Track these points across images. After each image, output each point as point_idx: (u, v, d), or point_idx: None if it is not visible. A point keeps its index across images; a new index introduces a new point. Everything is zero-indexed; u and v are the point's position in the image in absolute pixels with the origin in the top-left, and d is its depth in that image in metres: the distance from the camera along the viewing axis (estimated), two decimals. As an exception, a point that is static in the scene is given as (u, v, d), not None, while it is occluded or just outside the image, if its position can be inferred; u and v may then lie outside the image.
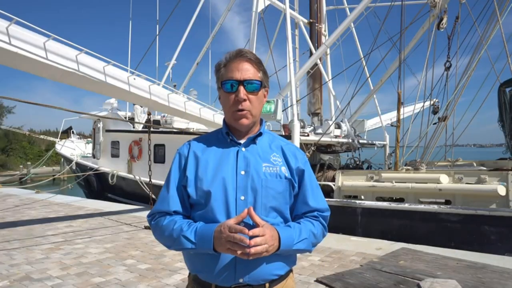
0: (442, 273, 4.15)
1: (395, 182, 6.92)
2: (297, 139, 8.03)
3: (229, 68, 1.35)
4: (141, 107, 12.54)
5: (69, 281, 3.99)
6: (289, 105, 9.23)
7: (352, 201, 7.07)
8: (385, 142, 12.54)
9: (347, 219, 6.81)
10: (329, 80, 11.62)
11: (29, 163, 28.43)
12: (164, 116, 13.33)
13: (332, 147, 10.13)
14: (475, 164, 8.42)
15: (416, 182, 6.76)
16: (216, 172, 1.33)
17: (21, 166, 28.88)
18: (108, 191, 12.77)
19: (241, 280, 1.27)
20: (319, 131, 9.94)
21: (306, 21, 12.27)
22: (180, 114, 8.50)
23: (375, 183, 7.13)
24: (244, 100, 1.32)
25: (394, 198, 7.22)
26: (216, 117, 8.96)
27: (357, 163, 10.68)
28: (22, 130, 27.85)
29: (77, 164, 15.02)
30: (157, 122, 13.50)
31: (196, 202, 1.34)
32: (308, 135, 9.09)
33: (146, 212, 8.01)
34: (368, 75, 10.12)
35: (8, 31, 5.04)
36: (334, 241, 5.76)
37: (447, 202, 6.46)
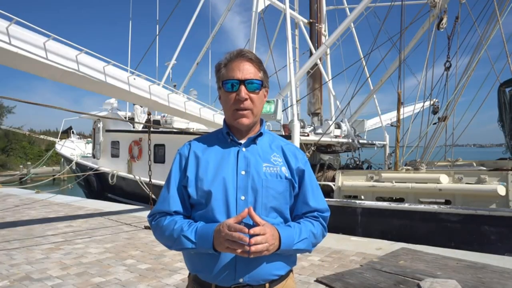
0: (442, 273, 4.15)
1: (395, 182, 6.93)
2: (297, 139, 8.03)
3: (230, 68, 1.35)
4: (141, 107, 12.54)
5: (69, 281, 3.99)
6: (289, 105, 9.23)
7: (352, 201, 7.07)
8: (385, 142, 12.54)
9: (347, 219, 6.81)
10: (329, 80, 11.63)
11: (29, 163, 28.44)
12: (164, 116, 13.33)
13: (332, 147, 10.13)
14: (475, 164, 8.42)
15: (416, 182, 6.76)
16: (216, 172, 1.33)
17: (21, 166, 28.89)
18: (108, 191, 12.77)
19: (241, 280, 1.27)
20: (319, 131, 9.94)
21: (306, 21, 12.27)
22: (180, 114, 8.50)
23: (375, 183, 7.13)
24: (245, 99, 1.32)
25: (394, 198, 7.22)
26: (216, 117, 8.96)
27: (357, 163, 10.68)
28: (22, 130, 27.85)
29: (77, 164, 15.02)
30: (157, 122, 13.50)
31: (196, 202, 1.34)
32: (308, 135, 9.10)
33: (146, 212, 8.02)
34: (368, 75, 10.13)
35: (8, 31, 5.04)
36: (334, 241, 5.77)
37: (447, 202, 6.46)
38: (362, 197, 7.31)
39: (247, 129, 1.39)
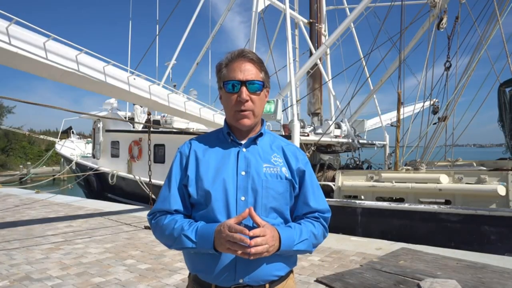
0: (442, 273, 4.15)
1: (395, 182, 6.93)
2: (297, 139, 8.03)
3: (231, 68, 1.34)
4: (141, 107, 12.54)
5: (69, 281, 3.99)
6: (289, 105, 9.23)
7: (352, 201, 7.07)
8: (385, 142, 12.54)
9: (347, 219, 6.81)
10: (329, 80, 11.63)
11: (29, 163, 28.42)
12: (164, 116, 13.33)
13: (332, 147, 10.13)
14: (475, 164, 8.42)
15: (416, 182, 6.76)
16: (216, 172, 1.32)
17: (21, 166, 28.88)
18: (108, 191, 12.77)
19: (241, 281, 1.27)
20: (319, 131, 9.94)
21: (306, 21, 12.27)
22: (180, 114, 8.50)
23: (375, 183, 7.13)
24: (247, 100, 1.32)
25: (394, 198, 7.22)
26: (216, 117, 8.96)
27: (357, 163, 10.68)
28: (22, 130, 27.84)
29: (77, 164, 15.02)
30: (157, 122, 13.50)
31: (196, 202, 1.34)
32: (308, 135, 9.09)
33: (146, 212, 8.01)
34: (368, 75, 10.13)
35: (8, 31, 5.03)
36: (334, 241, 5.77)
37: (447, 202, 6.46)
38: (362, 197, 7.31)
39: (248, 129, 1.39)
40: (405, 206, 6.44)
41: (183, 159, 1.40)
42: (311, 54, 10.93)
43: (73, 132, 20.90)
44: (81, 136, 23.02)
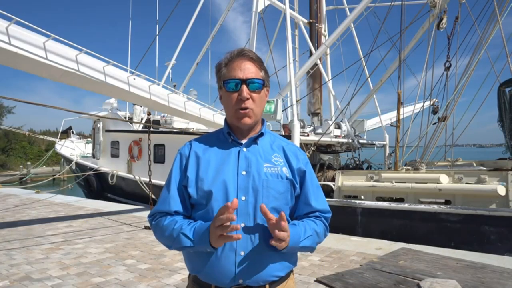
0: (442, 273, 4.15)
1: (395, 182, 6.93)
2: (297, 139, 8.03)
3: (231, 67, 1.34)
4: (141, 107, 12.54)
5: (69, 281, 3.99)
6: (289, 105, 9.23)
7: (352, 201, 7.07)
8: (385, 142, 12.54)
9: (347, 219, 6.81)
10: (329, 80, 11.63)
11: (29, 163, 28.43)
12: (164, 116, 13.33)
13: (332, 147, 10.13)
14: (475, 164, 8.42)
15: (416, 182, 6.76)
16: (217, 172, 1.32)
17: (21, 166, 28.89)
18: (108, 191, 12.77)
19: (240, 281, 1.26)
20: (319, 131, 9.93)
21: (306, 21, 12.27)
22: (180, 114, 8.50)
23: (375, 183, 7.13)
24: (247, 99, 1.31)
25: (394, 198, 7.22)
26: (216, 117, 8.96)
27: (357, 163, 10.68)
28: (22, 130, 27.85)
29: (77, 164, 15.02)
30: (157, 122, 13.50)
31: (197, 202, 1.34)
32: (308, 135, 9.09)
33: (146, 212, 8.03)
34: (368, 75, 10.13)
35: (8, 31, 5.03)
36: (334, 241, 5.77)
37: (447, 202, 6.46)
38: (362, 197, 7.31)
39: (249, 128, 1.39)
40: (405, 206, 6.44)
41: (183, 160, 1.39)
42: (311, 54, 10.93)
43: (73, 132, 20.90)
44: (81, 136, 23.03)
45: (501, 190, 5.90)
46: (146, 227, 6.74)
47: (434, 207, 6.13)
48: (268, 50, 12.74)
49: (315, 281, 3.98)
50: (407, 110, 11.21)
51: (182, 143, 1.48)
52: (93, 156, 14.28)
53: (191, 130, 11.16)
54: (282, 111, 8.92)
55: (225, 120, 1.43)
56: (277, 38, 13.23)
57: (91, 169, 13.44)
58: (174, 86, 13.72)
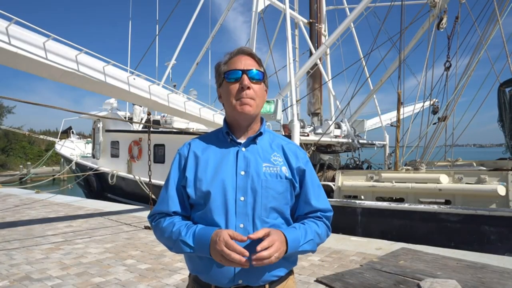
0: (442, 273, 4.15)
1: (395, 182, 6.92)
2: (297, 139, 8.03)
3: (231, 62, 1.36)
4: (141, 107, 12.54)
5: (69, 281, 3.99)
6: (289, 105, 9.23)
7: (352, 201, 7.07)
8: (385, 142, 12.54)
9: (347, 219, 6.81)
10: (329, 80, 11.62)
11: (29, 163, 28.44)
12: (164, 116, 13.33)
13: (332, 147, 10.13)
14: (475, 164, 8.42)
15: (416, 182, 6.76)
16: (215, 172, 1.31)
17: (21, 166, 28.89)
18: (108, 191, 12.77)
19: (240, 281, 1.26)
20: (319, 131, 9.93)
21: (306, 21, 12.27)
22: (180, 114, 8.50)
23: (375, 183, 7.13)
24: (248, 87, 1.32)
25: (394, 198, 7.22)
26: (216, 117, 8.96)
27: (357, 163, 10.68)
28: (22, 130, 27.86)
29: (77, 164, 15.02)
30: (157, 122, 13.50)
31: (195, 203, 1.34)
32: (308, 135, 9.09)
33: (146, 212, 8.03)
34: (368, 75, 10.13)
35: (8, 31, 5.03)
36: (334, 241, 5.76)
37: (447, 202, 6.46)
38: (362, 197, 7.31)
39: (248, 122, 1.38)
40: (405, 206, 6.43)
41: (181, 161, 1.39)
42: (311, 54, 10.93)
43: (73, 132, 20.90)
44: (81, 136, 23.03)
45: (501, 190, 5.90)
46: (146, 227, 6.74)
47: (434, 207, 6.13)
48: (268, 50, 12.76)
49: (315, 281, 3.98)
50: (407, 110, 11.21)
51: (182, 143, 1.47)
52: (93, 156, 14.28)
53: (191, 130, 11.16)
54: (282, 111, 8.91)
55: (224, 120, 1.43)
56: (277, 38, 13.25)
57: (91, 169, 13.44)
58: (174, 86, 13.73)
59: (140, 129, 12.78)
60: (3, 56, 5.16)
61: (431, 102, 9.25)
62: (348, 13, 11.98)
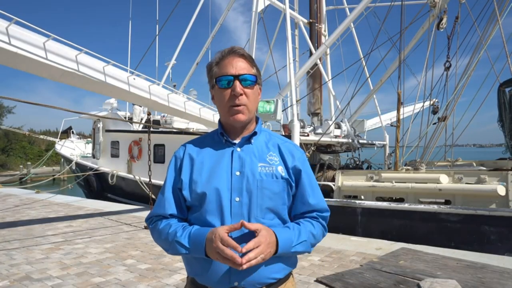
0: (442, 273, 4.15)
1: (395, 182, 6.92)
2: (297, 139, 8.03)
3: (222, 65, 1.33)
4: (141, 107, 12.54)
5: (69, 281, 3.99)
6: (289, 105, 9.23)
7: (352, 201, 7.07)
8: (385, 142, 12.54)
9: (347, 219, 6.81)
10: (329, 80, 11.62)
11: (29, 163, 28.44)
12: (164, 116, 13.33)
13: (332, 147, 10.12)
14: (475, 164, 8.42)
15: (416, 182, 6.76)
16: (210, 174, 1.30)
17: (21, 166, 28.90)
18: (108, 191, 12.78)
19: (236, 284, 1.24)
20: (319, 131, 9.93)
21: (306, 21, 12.27)
22: (180, 114, 8.50)
23: (375, 183, 7.13)
24: (241, 94, 1.29)
25: (394, 198, 7.22)
26: (216, 117, 8.97)
27: (357, 163, 10.68)
28: (22, 130, 27.84)
29: (77, 164, 15.02)
30: (157, 122, 13.50)
31: (191, 205, 1.33)
32: (308, 135, 9.09)
33: (146, 212, 8.02)
34: (368, 75, 10.13)
35: (8, 31, 5.03)
36: (334, 241, 5.76)
37: (447, 202, 6.46)
38: (362, 197, 7.31)
39: (242, 125, 1.36)
40: (405, 206, 6.43)
41: (177, 163, 1.38)
42: (311, 54, 10.92)
43: (73, 132, 20.90)
44: (81, 136, 23.03)
45: (501, 190, 5.90)
46: (146, 227, 6.73)
47: (434, 207, 6.13)
48: (268, 50, 12.76)
49: (315, 281, 3.98)
50: (407, 110, 11.21)
51: (182, 143, 1.48)
52: (93, 156, 14.28)
53: (191, 130, 11.16)
54: (282, 111, 8.91)
55: (219, 121, 1.41)
56: (277, 38, 13.24)
57: (91, 169, 13.44)
58: (174, 86, 13.73)
59: (140, 129, 12.78)
60: (3, 56, 5.16)
61: (431, 102, 9.25)
62: (348, 13, 11.97)
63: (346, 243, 5.68)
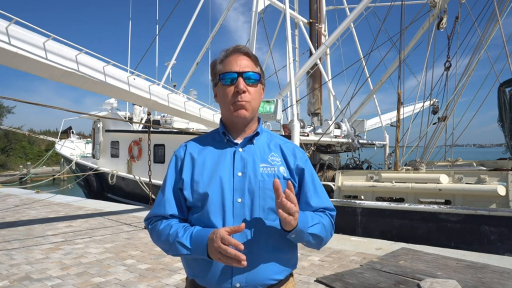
0: (442, 273, 4.15)
1: (395, 182, 6.92)
2: (297, 139, 8.03)
3: (226, 62, 1.32)
4: (141, 107, 12.55)
5: (69, 281, 3.99)
6: (289, 105, 9.23)
7: (352, 201, 7.07)
8: (385, 142, 12.54)
9: (347, 219, 6.81)
10: (329, 80, 11.62)
11: (29, 163, 28.43)
12: (164, 116, 13.34)
13: (332, 147, 10.13)
14: (475, 164, 8.41)
15: (416, 182, 6.76)
16: (212, 174, 1.29)
17: (21, 166, 28.90)
18: (108, 191, 12.78)
19: (237, 285, 1.23)
20: (319, 131, 9.93)
21: (306, 21, 12.28)
22: (180, 114, 8.50)
23: (375, 183, 7.13)
24: (244, 91, 1.29)
25: (394, 198, 7.22)
26: (216, 117, 8.97)
27: (357, 163, 10.68)
28: (22, 130, 27.90)
29: (77, 164, 15.03)
30: (157, 122, 13.51)
31: (192, 205, 1.31)
32: (308, 135, 9.09)
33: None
34: (368, 75, 10.13)
35: (8, 31, 5.03)
36: (334, 241, 5.76)
37: (447, 202, 6.46)
38: (362, 197, 7.31)
39: (244, 123, 1.35)
40: (405, 206, 6.43)
41: (178, 162, 1.37)
42: (311, 54, 10.93)
43: (73, 132, 20.92)
44: (81, 136, 23.04)
45: (501, 190, 5.90)
46: (146, 228, 6.73)
47: (434, 207, 6.13)
48: (268, 50, 12.76)
49: (315, 281, 3.98)
50: (407, 110, 11.22)
51: (182, 143, 1.47)
52: (93, 156, 14.29)
53: (191, 130, 11.16)
54: (282, 111, 8.91)
55: (221, 120, 1.41)
56: (277, 38, 13.24)
57: (91, 169, 13.45)
58: (174, 86, 13.75)
59: (140, 129, 12.79)
60: (3, 56, 5.16)
61: (431, 102, 9.25)
62: (348, 13, 11.98)
63: (346, 243, 5.68)
